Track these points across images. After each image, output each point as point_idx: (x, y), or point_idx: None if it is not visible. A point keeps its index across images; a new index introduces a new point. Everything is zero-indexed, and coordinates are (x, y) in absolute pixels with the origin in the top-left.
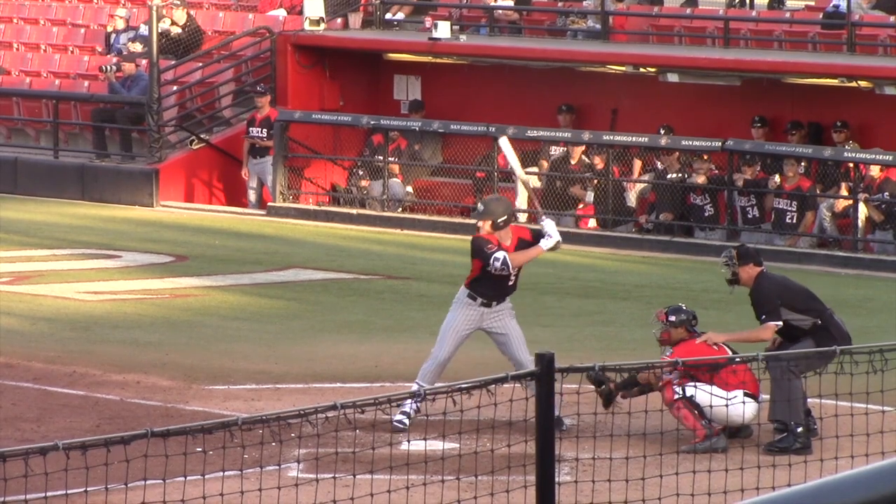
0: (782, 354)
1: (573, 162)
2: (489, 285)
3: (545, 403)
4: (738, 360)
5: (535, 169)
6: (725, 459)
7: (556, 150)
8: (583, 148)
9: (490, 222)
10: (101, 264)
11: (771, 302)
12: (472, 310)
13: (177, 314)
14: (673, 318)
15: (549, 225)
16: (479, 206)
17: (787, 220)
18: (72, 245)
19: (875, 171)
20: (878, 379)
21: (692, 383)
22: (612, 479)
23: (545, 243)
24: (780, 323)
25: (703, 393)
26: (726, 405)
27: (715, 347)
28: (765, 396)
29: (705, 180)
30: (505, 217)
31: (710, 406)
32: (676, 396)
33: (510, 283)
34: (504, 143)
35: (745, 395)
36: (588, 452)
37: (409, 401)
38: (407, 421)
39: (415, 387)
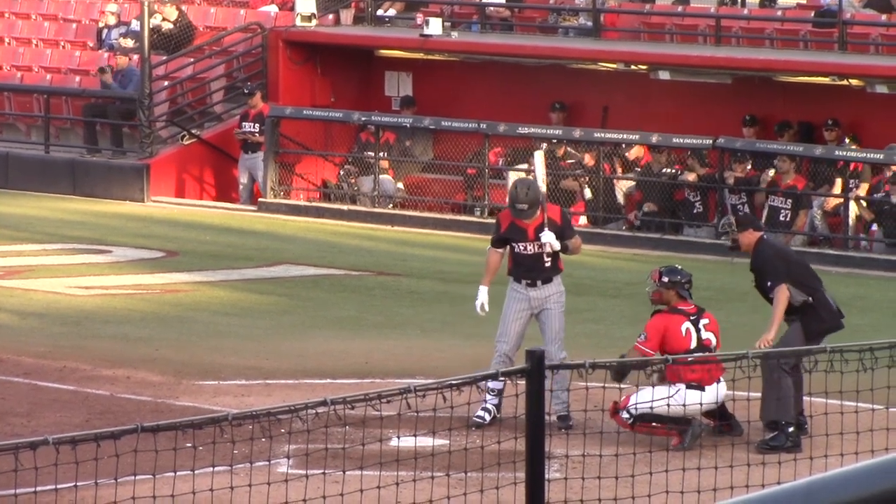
0: (772, 352)
1: (559, 153)
2: (520, 266)
3: (535, 400)
4: (725, 358)
5: (524, 165)
6: (715, 457)
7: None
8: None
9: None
10: (91, 259)
11: (774, 266)
12: (520, 296)
13: (167, 309)
14: (666, 280)
15: (546, 235)
16: (523, 206)
17: (781, 218)
18: (62, 240)
19: None
20: (868, 377)
21: (633, 402)
22: (602, 475)
23: None
24: (788, 284)
25: (647, 405)
26: (677, 401)
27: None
28: (755, 394)
29: (696, 178)
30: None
31: (663, 411)
32: (630, 422)
33: (545, 264)
34: (538, 158)
35: (689, 387)
36: (578, 449)
37: (488, 396)
38: (487, 417)
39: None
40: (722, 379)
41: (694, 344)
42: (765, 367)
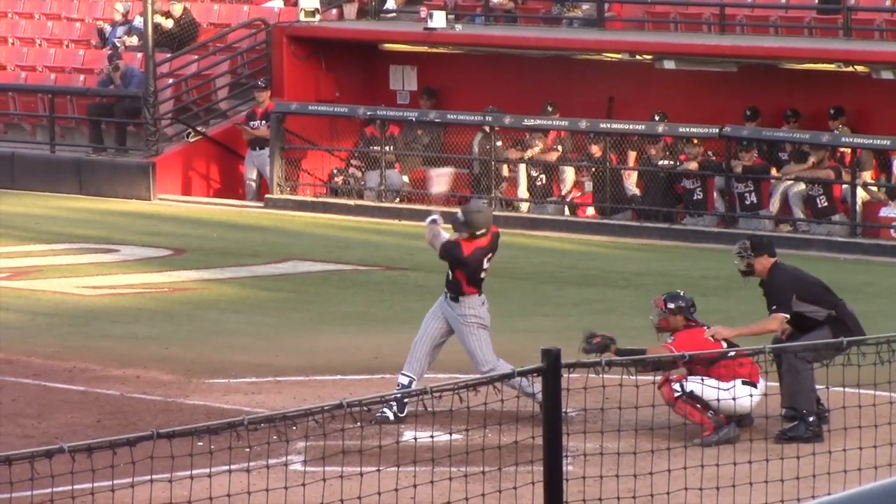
0: (790, 346)
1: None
2: (479, 282)
3: (552, 399)
4: (744, 352)
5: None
6: (734, 452)
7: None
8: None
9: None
10: (99, 258)
11: (784, 293)
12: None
13: (176, 308)
14: (672, 306)
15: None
16: (460, 216)
17: (820, 206)
18: (70, 239)
19: None
20: (886, 370)
21: (688, 378)
22: (620, 473)
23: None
24: (788, 315)
25: (699, 386)
26: (729, 396)
27: (711, 340)
28: (773, 384)
29: (697, 166)
30: (483, 231)
31: (713, 399)
32: (676, 395)
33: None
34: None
35: (744, 383)
36: (595, 446)
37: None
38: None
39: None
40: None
41: (725, 346)
42: (785, 357)
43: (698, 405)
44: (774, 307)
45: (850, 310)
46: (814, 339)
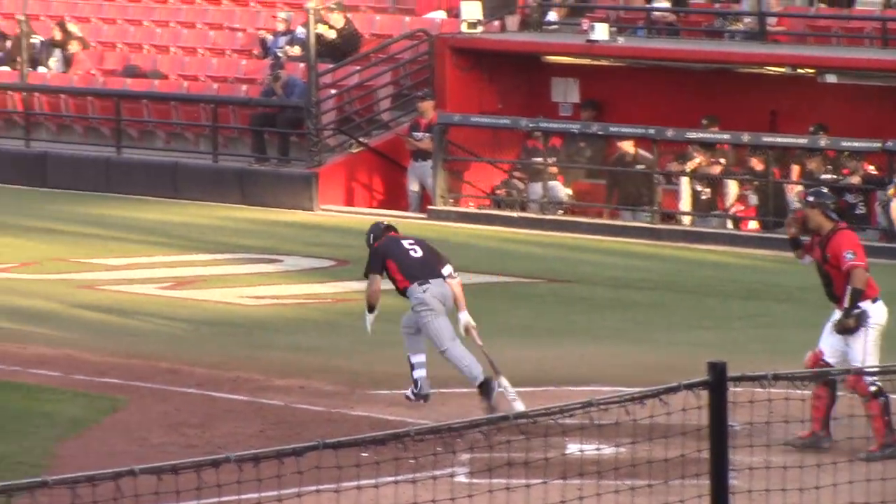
0: None
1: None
2: None
3: (718, 412)
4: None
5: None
6: None
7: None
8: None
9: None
10: (262, 269)
11: None
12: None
13: (339, 319)
14: (811, 199)
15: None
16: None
17: None
18: (233, 249)
19: None
20: None
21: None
22: (786, 487)
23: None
24: None
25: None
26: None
27: None
28: None
29: (860, 180)
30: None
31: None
32: (872, 389)
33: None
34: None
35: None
36: (761, 460)
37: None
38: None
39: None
40: None
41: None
42: None
43: (886, 416)
44: None
45: None
46: None
